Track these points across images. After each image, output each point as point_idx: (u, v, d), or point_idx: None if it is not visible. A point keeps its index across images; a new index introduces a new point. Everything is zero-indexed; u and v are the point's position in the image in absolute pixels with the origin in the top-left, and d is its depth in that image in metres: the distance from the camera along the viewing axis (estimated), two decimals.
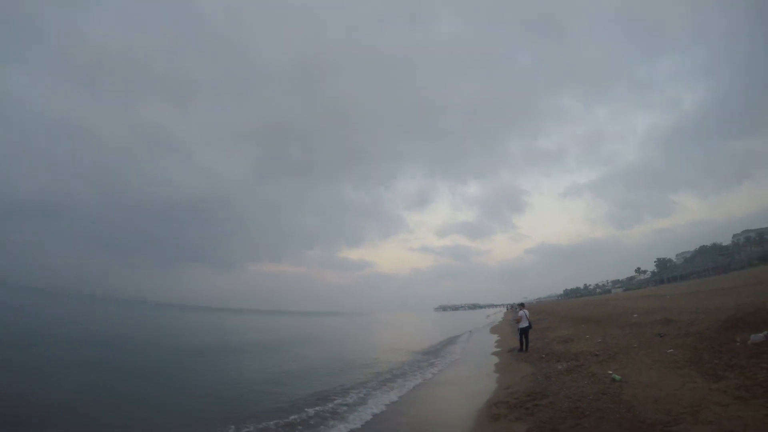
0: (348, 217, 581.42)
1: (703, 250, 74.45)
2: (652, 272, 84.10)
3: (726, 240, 75.73)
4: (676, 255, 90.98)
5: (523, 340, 16.14)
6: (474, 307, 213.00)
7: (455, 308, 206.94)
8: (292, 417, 8.56)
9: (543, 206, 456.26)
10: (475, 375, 12.97)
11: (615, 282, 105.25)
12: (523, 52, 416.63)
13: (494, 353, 17.68)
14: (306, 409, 9.14)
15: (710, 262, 57.75)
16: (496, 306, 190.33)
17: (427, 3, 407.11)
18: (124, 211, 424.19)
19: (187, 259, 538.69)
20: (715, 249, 69.14)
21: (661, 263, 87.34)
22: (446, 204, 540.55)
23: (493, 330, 33.82)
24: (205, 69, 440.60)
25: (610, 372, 8.54)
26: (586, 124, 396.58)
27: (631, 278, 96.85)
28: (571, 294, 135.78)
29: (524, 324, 16.05)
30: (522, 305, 17.94)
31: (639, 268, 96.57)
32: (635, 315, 18.37)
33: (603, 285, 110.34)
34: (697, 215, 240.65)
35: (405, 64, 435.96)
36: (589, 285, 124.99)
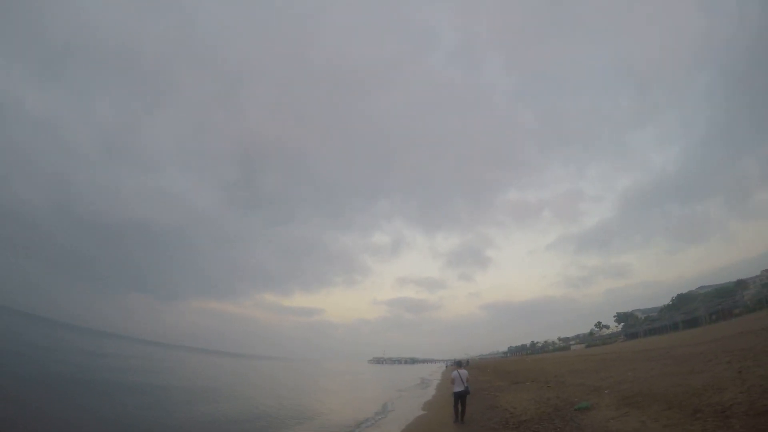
0: (307, 260, 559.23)
1: (672, 306, 72.17)
2: (624, 326, 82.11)
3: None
4: (633, 310, 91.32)
5: (459, 408, 13.41)
6: (412, 361, 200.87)
7: (392, 361, 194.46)
8: None
9: (505, 262, 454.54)
10: None
11: (565, 339, 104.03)
12: (527, 102, 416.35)
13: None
14: None
15: (681, 315, 56.70)
16: (435, 362, 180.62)
17: (431, 34, 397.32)
18: (72, 220, 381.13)
19: (129, 284, 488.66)
20: (686, 298, 68.07)
21: (623, 317, 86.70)
22: (414, 255, 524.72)
23: (422, 392, 30.08)
24: (185, 75, 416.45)
25: None
26: (564, 183, 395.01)
27: (590, 333, 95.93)
28: (516, 351, 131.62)
29: (458, 388, 13.29)
30: (459, 364, 15.34)
31: (600, 323, 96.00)
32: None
33: (553, 342, 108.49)
34: (650, 276, 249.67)
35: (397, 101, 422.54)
36: (537, 342, 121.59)
